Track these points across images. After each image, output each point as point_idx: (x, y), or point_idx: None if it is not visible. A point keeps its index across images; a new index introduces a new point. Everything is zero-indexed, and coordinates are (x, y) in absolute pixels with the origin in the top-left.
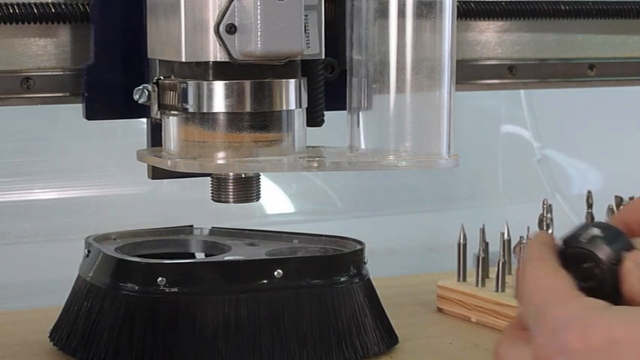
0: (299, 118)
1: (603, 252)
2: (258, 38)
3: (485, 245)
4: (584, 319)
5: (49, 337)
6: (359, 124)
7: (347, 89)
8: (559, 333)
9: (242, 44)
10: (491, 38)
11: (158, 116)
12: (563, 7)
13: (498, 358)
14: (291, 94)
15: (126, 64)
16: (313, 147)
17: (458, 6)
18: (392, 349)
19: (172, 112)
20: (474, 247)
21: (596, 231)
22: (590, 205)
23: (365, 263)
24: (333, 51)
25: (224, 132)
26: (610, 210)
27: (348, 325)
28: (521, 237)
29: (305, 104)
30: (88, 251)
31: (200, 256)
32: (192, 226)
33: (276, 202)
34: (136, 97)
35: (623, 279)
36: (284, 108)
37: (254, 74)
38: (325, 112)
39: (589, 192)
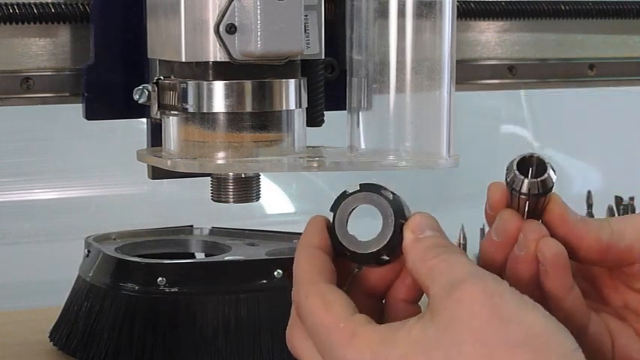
0: (299, 118)
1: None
2: (258, 38)
3: None
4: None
5: (49, 337)
6: (359, 124)
7: (347, 89)
8: None
9: (242, 44)
10: (491, 38)
11: (158, 116)
12: (563, 7)
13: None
14: (291, 94)
15: (126, 64)
16: (313, 147)
17: (458, 6)
18: None
19: (172, 112)
20: (474, 247)
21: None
22: (590, 205)
23: None
24: (333, 51)
25: (224, 132)
26: (610, 209)
27: None
28: None
29: (305, 104)
30: (88, 251)
31: (200, 256)
32: (192, 226)
33: (276, 202)
34: (136, 97)
35: (405, 255)
36: (284, 108)
37: (254, 74)
38: (325, 112)
39: (589, 192)
